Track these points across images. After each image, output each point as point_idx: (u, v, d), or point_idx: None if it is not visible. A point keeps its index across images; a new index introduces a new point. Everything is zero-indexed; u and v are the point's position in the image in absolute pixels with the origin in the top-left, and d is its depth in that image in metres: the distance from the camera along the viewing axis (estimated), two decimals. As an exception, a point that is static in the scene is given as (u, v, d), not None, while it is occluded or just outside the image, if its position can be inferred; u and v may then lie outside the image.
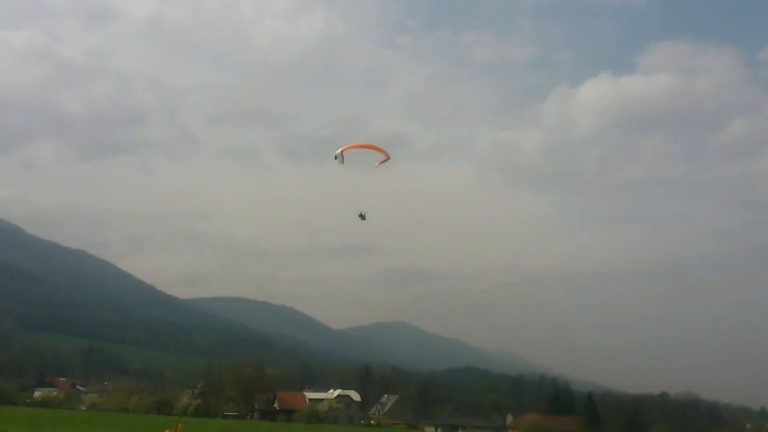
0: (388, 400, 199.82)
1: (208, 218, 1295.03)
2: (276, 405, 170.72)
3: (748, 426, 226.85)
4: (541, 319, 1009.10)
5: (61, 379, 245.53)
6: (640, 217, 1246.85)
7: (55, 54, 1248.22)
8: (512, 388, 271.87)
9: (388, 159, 48.14)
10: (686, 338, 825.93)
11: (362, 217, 49.05)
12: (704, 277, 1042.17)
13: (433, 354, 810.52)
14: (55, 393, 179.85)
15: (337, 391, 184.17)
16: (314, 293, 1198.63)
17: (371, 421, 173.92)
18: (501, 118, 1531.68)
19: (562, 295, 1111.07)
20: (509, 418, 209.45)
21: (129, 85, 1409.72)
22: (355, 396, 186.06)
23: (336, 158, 47.20)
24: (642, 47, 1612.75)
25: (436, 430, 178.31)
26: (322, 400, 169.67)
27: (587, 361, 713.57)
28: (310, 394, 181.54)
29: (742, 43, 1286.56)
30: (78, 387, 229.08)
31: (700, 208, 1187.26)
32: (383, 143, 49.46)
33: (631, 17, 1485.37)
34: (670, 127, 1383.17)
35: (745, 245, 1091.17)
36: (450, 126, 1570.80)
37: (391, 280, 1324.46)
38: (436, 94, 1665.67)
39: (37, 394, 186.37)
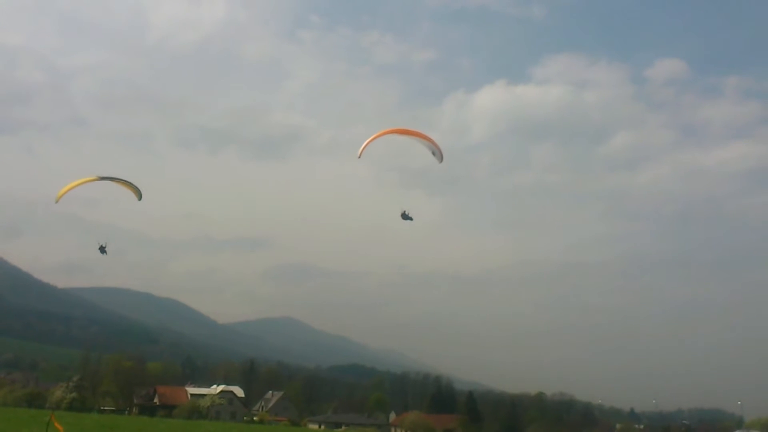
0: (273, 397, 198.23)
1: (93, 204, 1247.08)
2: (156, 400, 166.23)
3: (617, 426, 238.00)
4: (427, 319, 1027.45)
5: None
6: (527, 222, 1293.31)
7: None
8: (397, 386, 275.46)
9: (437, 149, 43.99)
10: (563, 341, 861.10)
11: (405, 216, 44.41)
12: (584, 282, 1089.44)
13: (319, 350, 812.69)
14: None
15: (221, 387, 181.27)
16: (201, 286, 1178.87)
17: (254, 418, 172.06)
18: (398, 118, 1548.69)
19: (449, 296, 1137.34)
20: (392, 416, 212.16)
21: (15, 61, 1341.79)
22: (239, 392, 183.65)
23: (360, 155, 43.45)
24: (537, 59, 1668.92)
25: (320, 427, 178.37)
26: (205, 395, 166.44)
27: (471, 361, 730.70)
28: (193, 390, 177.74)
29: (631, 60, 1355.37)
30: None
31: (583, 216, 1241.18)
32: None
33: (528, 28, 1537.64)
34: (559, 137, 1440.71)
35: (624, 253, 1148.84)
36: (347, 123, 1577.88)
37: (280, 276, 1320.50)
38: (335, 91, 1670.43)
39: None
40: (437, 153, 43.83)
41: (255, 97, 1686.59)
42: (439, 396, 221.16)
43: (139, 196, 44.98)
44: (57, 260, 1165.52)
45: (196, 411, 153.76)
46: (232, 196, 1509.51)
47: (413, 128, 43.77)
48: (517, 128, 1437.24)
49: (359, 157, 43.23)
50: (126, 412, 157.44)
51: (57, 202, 43.25)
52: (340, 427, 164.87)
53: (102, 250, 45.16)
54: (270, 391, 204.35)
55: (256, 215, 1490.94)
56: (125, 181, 46.63)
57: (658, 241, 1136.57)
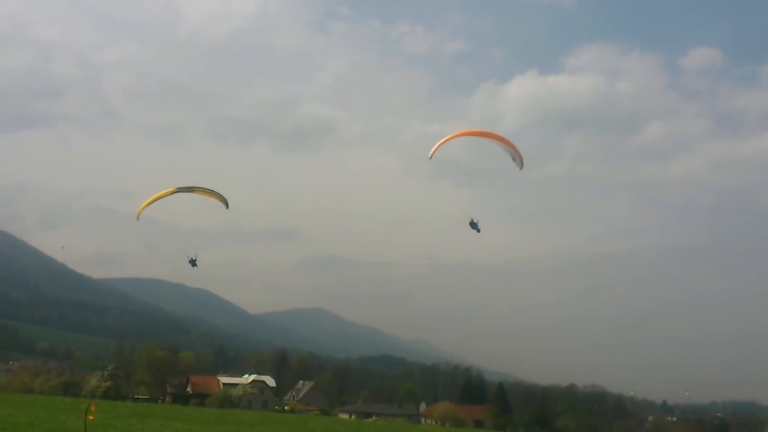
0: (304, 386, 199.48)
1: (126, 196, 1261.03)
2: (189, 389, 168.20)
3: (650, 418, 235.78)
4: (456, 310, 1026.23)
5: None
6: (557, 213, 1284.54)
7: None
8: (427, 376, 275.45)
9: (518, 155, 41.50)
10: (594, 332, 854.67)
11: (474, 225, 42.84)
12: (614, 274, 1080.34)
13: (349, 341, 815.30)
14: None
15: (252, 377, 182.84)
16: (232, 277, 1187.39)
17: (285, 407, 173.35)
18: (429, 110, 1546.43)
19: (479, 288, 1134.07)
20: (422, 407, 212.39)
21: (49, 56, 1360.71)
22: (270, 381, 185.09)
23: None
24: (569, 48, 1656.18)
25: (350, 416, 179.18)
26: (236, 385, 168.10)
27: (501, 352, 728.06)
28: (224, 379, 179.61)
29: (664, 49, 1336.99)
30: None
31: (613, 207, 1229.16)
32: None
33: (559, 17, 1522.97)
34: (590, 127, 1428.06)
35: (656, 243, 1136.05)
36: (377, 115, 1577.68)
37: (310, 267, 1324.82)
38: (366, 82, 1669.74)
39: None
40: (517, 159, 41.61)
41: (285, 89, 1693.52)
42: (469, 387, 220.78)
43: (226, 204, 44.06)
44: (91, 252, 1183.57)
45: (228, 400, 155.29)
46: (263, 188, 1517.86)
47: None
48: (549, 119, 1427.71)
49: (430, 158, 42.15)
50: (159, 401, 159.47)
51: (138, 219, 42.99)
52: (371, 417, 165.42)
53: (192, 263, 44.84)
54: (301, 381, 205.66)
55: (287, 207, 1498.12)
56: (208, 189, 44.53)
57: (691, 232, 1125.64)
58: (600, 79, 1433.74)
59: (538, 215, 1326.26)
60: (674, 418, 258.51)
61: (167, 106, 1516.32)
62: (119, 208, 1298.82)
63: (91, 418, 20.05)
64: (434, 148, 41.62)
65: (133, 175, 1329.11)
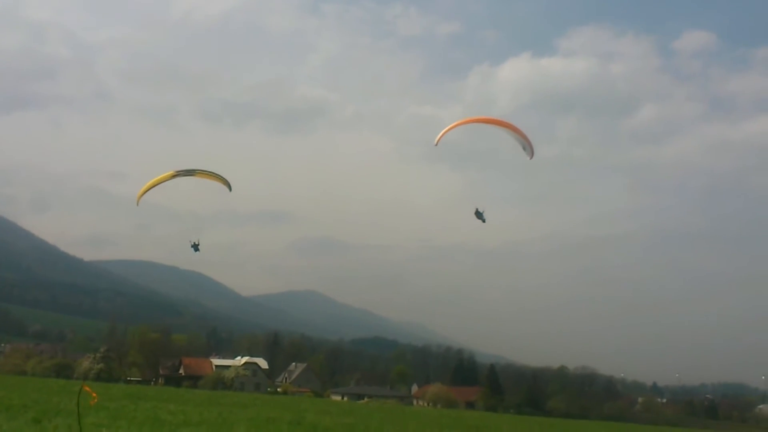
0: (296, 368, 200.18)
1: (119, 178, 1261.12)
2: (181, 371, 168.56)
3: (640, 400, 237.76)
4: (449, 292, 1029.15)
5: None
6: (551, 195, 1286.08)
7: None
8: (419, 358, 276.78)
9: (528, 144, 39.92)
10: (586, 315, 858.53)
11: (479, 215, 41.32)
12: (607, 255, 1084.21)
13: (342, 323, 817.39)
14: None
15: (245, 359, 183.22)
16: (225, 259, 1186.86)
17: (278, 389, 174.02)
18: (422, 92, 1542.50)
19: (472, 270, 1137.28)
20: (414, 388, 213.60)
21: (42, 37, 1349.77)
22: (263, 363, 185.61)
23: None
24: (563, 31, 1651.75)
25: (343, 398, 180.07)
26: (229, 367, 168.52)
27: (493, 335, 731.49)
28: (217, 361, 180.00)
29: (658, 32, 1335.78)
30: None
31: (607, 190, 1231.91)
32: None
33: (554, 0, 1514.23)
34: (584, 109, 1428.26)
35: (648, 226, 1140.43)
36: (371, 97, 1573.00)
37: (303, 249, 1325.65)
38: (359, 64, 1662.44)
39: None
40: (528, 148, 40.06)
41: (278, 71, 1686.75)
42: (461, 369, 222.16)
43: (229, 187, 42.98)
44: (83, 233, 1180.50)
45: (221, 382, 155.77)
46: (256, 170, 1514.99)
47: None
48: (543, 101, 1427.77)
49: (436, 145, 39.85)
50: (152, 383, 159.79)
51: (138, 204, 42.02)
52: (363, 399, 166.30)
53: (195, 247, 44.29)
54: (293, 363, 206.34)
55: (280, 189, 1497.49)
56: (209, 172, 42.64)
57: (683, 215, 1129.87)
58: (594, 62, 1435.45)
59: (532, 198, 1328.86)
60: (664, 400, 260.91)
61: (160, 87, 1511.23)
62: (112, 190, 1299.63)
63: (94, 397, 19.98)
64: (441, 134, 39.79)
65: (126, 157, 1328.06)
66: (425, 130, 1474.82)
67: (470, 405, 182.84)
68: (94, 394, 18.83)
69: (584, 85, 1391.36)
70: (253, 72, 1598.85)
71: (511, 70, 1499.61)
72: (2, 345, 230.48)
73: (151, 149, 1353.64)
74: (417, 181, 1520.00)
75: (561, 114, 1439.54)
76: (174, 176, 40.95)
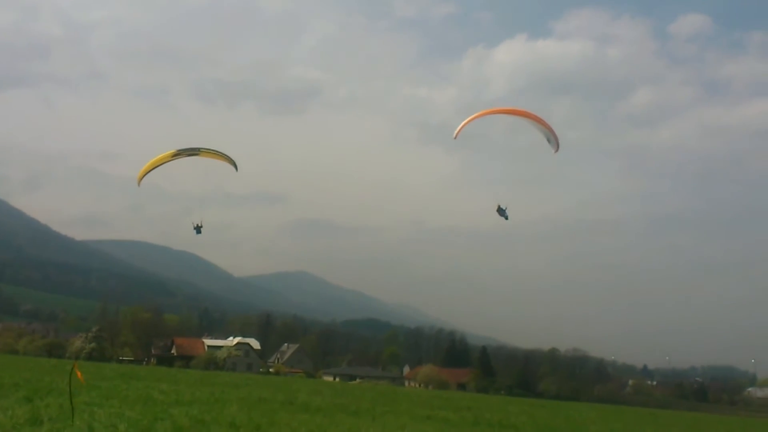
0: (288, 349, 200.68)
1: (112, 158, 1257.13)
2: (173, 351, 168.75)
3: (630, 382, 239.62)
4: (442, 274, 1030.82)
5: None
6: (545, 178, 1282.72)
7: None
8: (411, 340, 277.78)
9: (553, 136, 38.23)
10: (578, 297, 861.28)
11: (502, 212, 40.43)
12: (600, 239, 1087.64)
13: (334, 305, 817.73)
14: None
15: (237, 339, 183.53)
16: (218, 240, 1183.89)
17: (270, 370, 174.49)
18: (417, 73, 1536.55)
19: (464, 252, 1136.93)
20: (406, 369, 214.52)
21: (34, 14, 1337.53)
22: (255, 344, 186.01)
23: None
24: (559, 13, 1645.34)
25: (335, 379, 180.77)
26: (221, 347, 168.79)
27: (485, 317, 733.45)
28: (209, 341, 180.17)
29: (654, 15, 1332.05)
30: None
31: (602, 173, 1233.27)
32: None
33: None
34: (579, 92, 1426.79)
35: (642, 210, 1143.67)
36: (365, 78, 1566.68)
37: (296, 230, 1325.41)
38: (354, 45, 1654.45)
39: None
40: (553, 141, 38.71)
41: (272, 51, 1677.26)
42: (452, 350, 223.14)
43: (235, 166, 41.84)
44: (75, 213, 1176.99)
45: (213, 362, 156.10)
46: (250, 151, 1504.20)
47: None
48: (537, 83, 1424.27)
49: (455, 138, 38.22)
50: (144, 363, 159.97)
51: (139, 185, 40.85)
52: (355, 380, 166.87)
53: (198, 229, 43.46)
54: (286, 344, 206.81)
55: (274, 170, 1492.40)
56: (214, 151, 41.23)
57: (677, 199, 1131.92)
58: (589, 45, 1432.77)
59: (526, 181, 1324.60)
60: (654, 383, 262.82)
61: (153, 66, 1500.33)
62: (104, 170, 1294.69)
63: (80, 378, 19.88)
64: (460, 126, 38.18)
65: (118, 137, 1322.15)
66: (420, 112, 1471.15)
67: (461, 386, 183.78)
68: (80, 374, 18.75)
69: (580, 67, 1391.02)
70: (246, 52, 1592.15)
71: (506, 52, 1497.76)
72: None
73: (143, 129, 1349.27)
74: (411, 163, 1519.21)
75: (556, 96, 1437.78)
76: (176, 155, 40.06)
